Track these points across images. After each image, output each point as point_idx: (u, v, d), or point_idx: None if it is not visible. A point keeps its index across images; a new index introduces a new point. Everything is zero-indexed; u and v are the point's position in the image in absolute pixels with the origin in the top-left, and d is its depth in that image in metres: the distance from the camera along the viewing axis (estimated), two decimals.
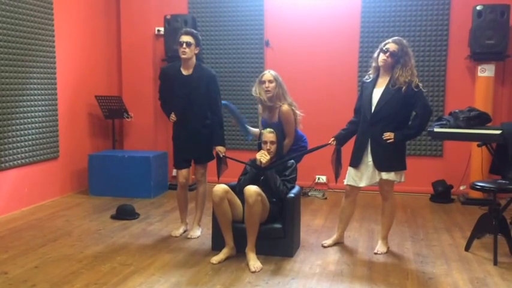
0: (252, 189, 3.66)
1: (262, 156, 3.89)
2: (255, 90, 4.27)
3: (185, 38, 4.19)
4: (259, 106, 4.41)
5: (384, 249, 4.05)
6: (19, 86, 5.24)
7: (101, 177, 6.00)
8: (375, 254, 4.02)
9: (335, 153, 4.06)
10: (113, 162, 6.02)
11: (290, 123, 4.22)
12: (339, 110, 5.88)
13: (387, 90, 3.87)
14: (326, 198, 6.03)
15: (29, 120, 5.38)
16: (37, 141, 5.51)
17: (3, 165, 5.04)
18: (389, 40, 3.90)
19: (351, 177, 4.04)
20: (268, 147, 3.93)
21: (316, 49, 6.34)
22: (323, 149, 4.12)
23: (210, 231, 4.14)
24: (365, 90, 4.03)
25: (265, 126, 4.13)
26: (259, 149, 4.02)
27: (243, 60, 6.58)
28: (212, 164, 4.37)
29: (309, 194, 6.16)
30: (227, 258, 3.81)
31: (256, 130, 4.60)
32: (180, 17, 6.26)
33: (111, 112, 6.41)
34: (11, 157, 5.14)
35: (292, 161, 4.06)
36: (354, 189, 4.10)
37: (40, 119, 5.55)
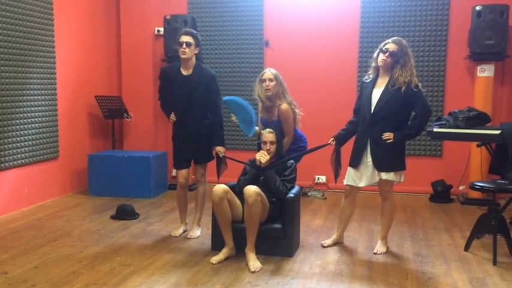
0: (251, 189, 3.66)
1: (262, 157, 3.90)
2: (256, 90, 4.27)
3: (185, 38, 4.19)
4: (259, 104, 4.41)
5: (384, 249, 4.05)
6: (19, 86, 5.24)
7: (100, 177, 6.01)
8: (375, 254, 4.02)
9: (334, 153, 4.06)
10: (112, 162, 6.02)
11: (289, 121, 4.22)
12: (338, 110, 5.88)
13: (387, 91, 3.87)
14: (326, 198, 6.03)
15: (29, 120, 5.38)
16: (37, 141, 5.51)
17: (3, 165, 5.04)
18: (389, 40, 3.90)
19: (351, 177, 4.05)
20: (267, 148, 3.93)
21: (315, 49, 6.34)
22: (323, 149, 4.12)
23: (210, 231, 4.14)
24: (364, 90, 4.03)
25: (264, 125, 4.13)
26: (259, 149, 4.02)
27: (243, 60, 6.58)
28: (212, 164, 4.38)
29: (309, 194, 6.17)
30: (227, 258, 3.81)
31: (256, 128, 4.59)
32: (180, 17, 6.26)
33: (111, 112, 6.41)
34: (11, 157, 5.14)
35: (292, 161, 4.07)
36: (353, 189, 4.11)
37: (40, 119, 5.55)
